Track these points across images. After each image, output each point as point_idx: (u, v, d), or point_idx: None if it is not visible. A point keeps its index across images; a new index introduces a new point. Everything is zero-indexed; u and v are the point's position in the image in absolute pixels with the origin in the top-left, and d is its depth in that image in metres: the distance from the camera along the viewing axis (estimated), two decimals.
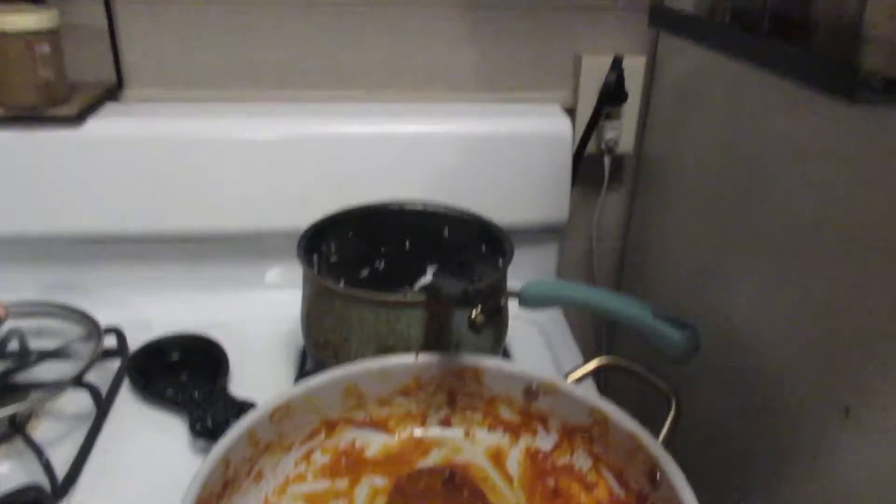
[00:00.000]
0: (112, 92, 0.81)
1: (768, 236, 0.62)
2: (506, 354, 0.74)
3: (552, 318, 0.81)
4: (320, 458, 0.58)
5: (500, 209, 0.80)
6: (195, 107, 0.81)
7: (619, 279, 1.00)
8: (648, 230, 0.89)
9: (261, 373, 0.72)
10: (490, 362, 0.60)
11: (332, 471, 0.57)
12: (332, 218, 0.71)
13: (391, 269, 0.77)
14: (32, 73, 0.68)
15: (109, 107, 0.79)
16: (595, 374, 0.59)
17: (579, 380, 0.58)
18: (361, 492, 0.56)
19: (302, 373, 0.72)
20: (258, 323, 0.78)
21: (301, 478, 0.56)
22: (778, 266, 0.61)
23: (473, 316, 0.61)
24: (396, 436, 0.60)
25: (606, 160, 0.88)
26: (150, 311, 0.79)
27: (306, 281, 0.66)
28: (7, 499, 0.56)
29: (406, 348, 0.61)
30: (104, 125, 0.76)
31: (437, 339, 0.61)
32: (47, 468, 0.59)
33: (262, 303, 0.81)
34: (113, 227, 0.78)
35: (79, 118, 0.73)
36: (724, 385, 0.70)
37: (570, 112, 0.85)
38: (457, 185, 0.80)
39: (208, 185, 0.78)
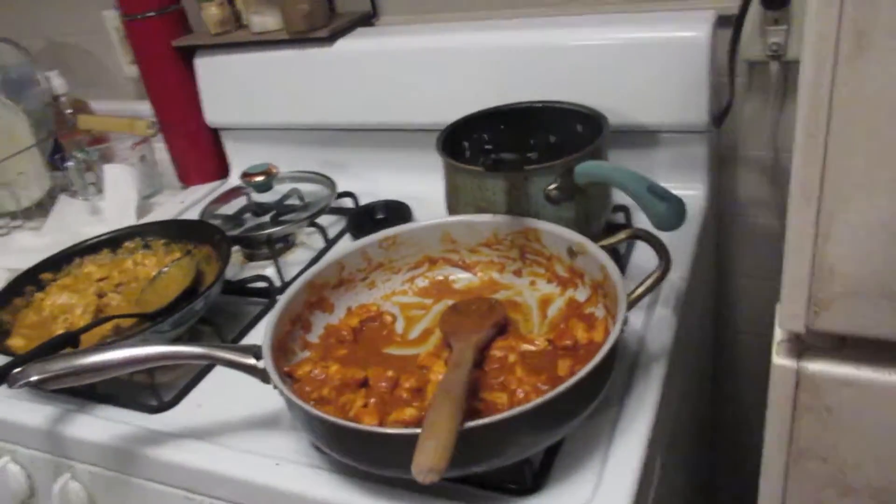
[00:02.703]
0: (366, 19, 1.09)
1: None
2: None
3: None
4: (421, 283, 0.80)
5: (639, 110, 0.90)
6: (421, 27, 1.05)
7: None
8: None
9: None
10: (543, 224, 0.74)
11: (425, 292, 0.79)
12: (481, 113, 0.90)
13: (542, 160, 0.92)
14: (297, 7, 0.99)
15: (360, 31, 1.08)
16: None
17: (609, 245, 0.69)
18: (438, 307, 0.77)
19: None
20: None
21: (403, 293, 0.79)
22: None
23: (547, 189, 0.76)
24: (479, 277, 0.79)
25: (773, 66, 0.89)
26: (377, 182, 1.08)
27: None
28: (246, 280, 0.89)
29: (494, 212, 0.78)
30: (348, 44, 1.04)
31: (517, 205, 0.77)
32: (279, 271, 0.92)
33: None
34: (356, 119, 1.08)
35: (329, 39, 1.03)
36: None
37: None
38: (604, 89, 0.91)
39: (422, 88, 1.02)
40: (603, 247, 0.69)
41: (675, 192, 0.90)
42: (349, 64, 1.04)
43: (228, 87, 1.14)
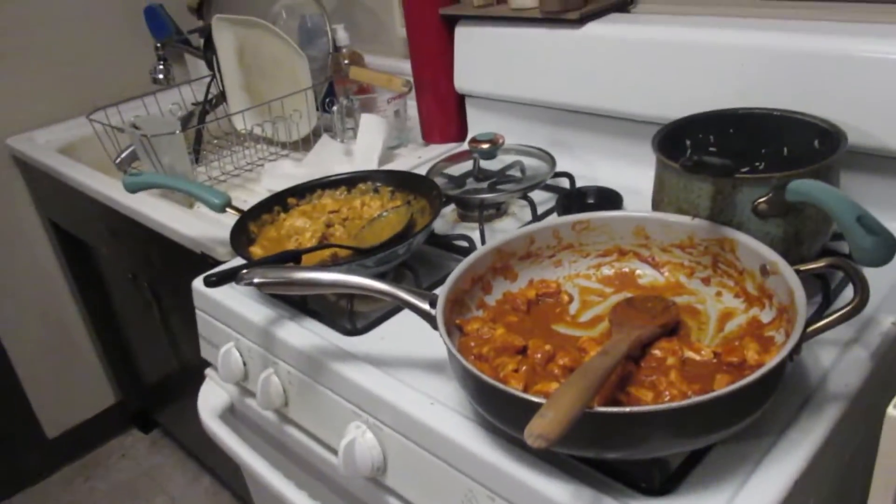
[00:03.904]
0: (623, 5, 1.10)
1: None
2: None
3: None
4: (606, 271, 0.81)
5: (892, 133, 0.81)
6: (675, 18, 1.03)
7: None
8: None
9: None
10: (741, 236, 0.71)
11: (608, 281, 0.80)
12: (709, 114, 0.87)
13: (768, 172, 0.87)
14: None
15: (613, 16, 1.08)
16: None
17: (806, 271, 0.65)
18: (615, 298, 0.77)
19: None
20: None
21: (586, 277, 0.81)
22: None
23: (756, 201, 0.73)
24: (665, 277, 0.78)
25: None
26: (596, 167, 1.09)
27: None
28: (452, 237, 0.96)
29: (696, 215, 0.76)
30: (597, 28, 1.05)
31: (720, 213, 0.75)
32: (482, 235, 0.98)
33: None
34: (590, 103, 1.09)
35: (579, 21, 1.05)
36: None
37: None
38: (856, 105, 0.83)
39: (660, 80, 1.00)
40: (798, 271, 0.65)
41: None
42: (594, 48, 1.05)
43: (480, 57, 1.21)
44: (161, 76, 1.73)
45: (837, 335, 0.71)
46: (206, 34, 1.58)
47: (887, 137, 0.82)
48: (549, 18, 1.07)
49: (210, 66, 1.59)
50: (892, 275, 0.78)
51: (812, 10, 0.94)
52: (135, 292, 1.60)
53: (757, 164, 0.89)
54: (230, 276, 0.80)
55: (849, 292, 0.77)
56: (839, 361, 0.69)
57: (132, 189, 1.06)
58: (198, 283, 0.99)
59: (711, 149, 0.89)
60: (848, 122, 0.80)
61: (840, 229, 0.60)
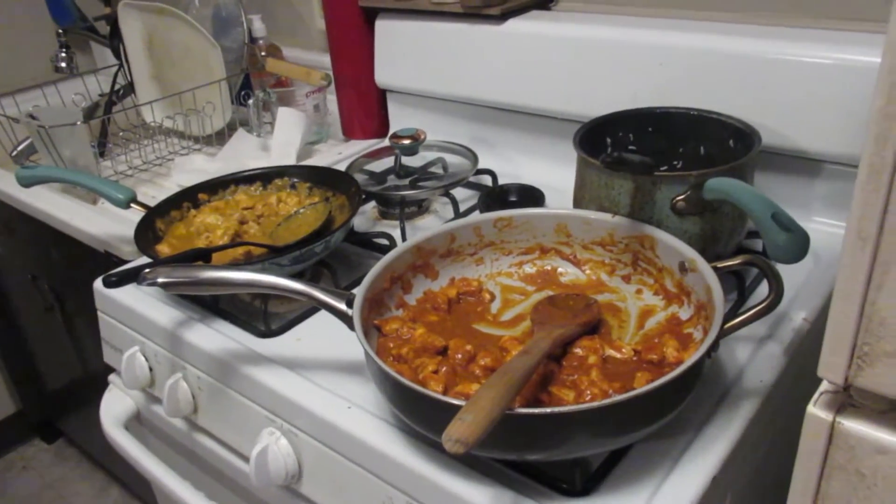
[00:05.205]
0: (544, 1, 1.09)
1: None
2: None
3: None
4: (528, 269, 0.80)
5: (802, 134, 0.83)
6: (596, 17, 1.03)
7: None
8: None
9: None
10: (660, 233, 0.71)
11: (530, 279, 0.79)
12: (629, 112, 0.87)
13: (685, 171, 0.88)
14: None
15: (535, 13, 1.08)
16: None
17: (723, 268, 0.65)
18: (537, 296, 0.76)
19: None
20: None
21: (508, 275, 0.79)
22: None
23: (674, 199, 0.73)
24: (587, 274, 0.78)
25: None
26: (519, 164, 1.08)
27: None
28: (372, 235, 0.94)
29: (617, 213, 0.76)
30: (518, 25, 1.04)
31: (640, 210, 0.75)
32: (403, 232, 0.95)
33: None
34: (512, 100, 1.08)
35: (501, 17, 1.04)
36: None
37: None
38: (769, 106, 0.85)
39: (581, 78, 1.00)
40: (716, 268, 0.65)
41: (829, 229, 0.85)
42: (515, 45, 1.04)
43: (401, 51, 1.18)
44: (63, 64, 1.63)
45: (752, 331, 0.71)
46: (113, 21, 1.50)
47: (799, 138, 0.84)
48: (470, 13, 1.06)
49: (117, 55, 1.51)
50: (804, 272, 0.80)
51: (729, 12, 0.96)
52: (35, 294, 1.50)
53: (675, 162, 0.90)
54: (131, 276, 0.75)
55: (763, 289, 0.79)
56: (754, 358, 0.70)
57: (25, 183, 0.99)
58: (99, 284, 0.93)
59: (631, 147, 0.90)
60: (762, 123, 0.81)
61: (755, 226, 0.60)
